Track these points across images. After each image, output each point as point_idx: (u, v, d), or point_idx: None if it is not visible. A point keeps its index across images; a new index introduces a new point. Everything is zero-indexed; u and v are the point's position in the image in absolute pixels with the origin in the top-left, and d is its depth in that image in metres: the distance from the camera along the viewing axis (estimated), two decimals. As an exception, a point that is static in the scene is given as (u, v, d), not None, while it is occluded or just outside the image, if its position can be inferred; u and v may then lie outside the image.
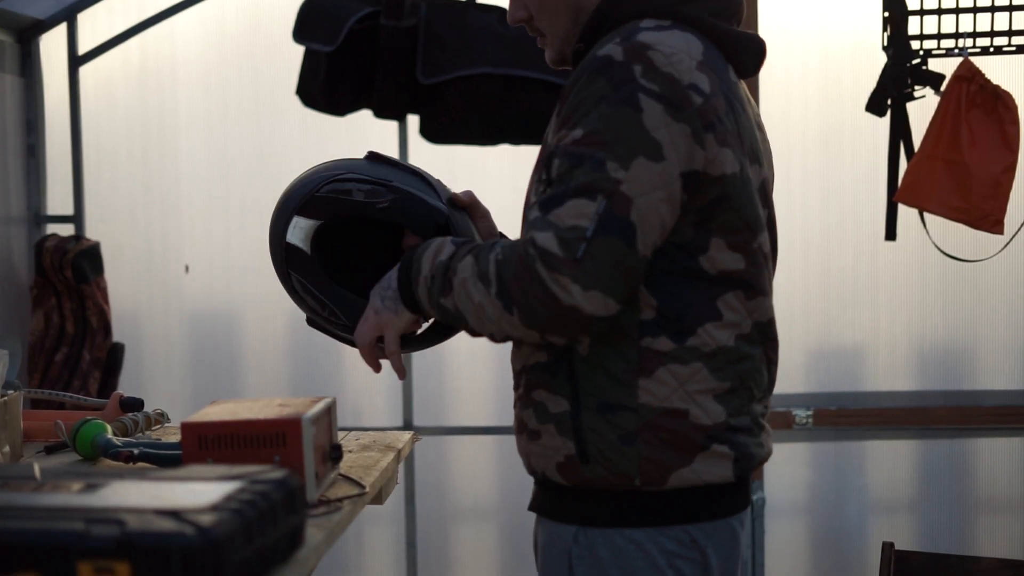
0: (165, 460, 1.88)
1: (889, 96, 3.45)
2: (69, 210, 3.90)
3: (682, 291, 1.73)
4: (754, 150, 1.80)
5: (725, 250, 1.74)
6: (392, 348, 1.85)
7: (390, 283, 1.82)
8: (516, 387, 1.87)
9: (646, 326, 1.73)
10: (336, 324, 1.93)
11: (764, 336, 1.82)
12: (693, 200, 1.70)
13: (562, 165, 1.68)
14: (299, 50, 3.66)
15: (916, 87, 3.43)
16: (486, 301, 1.69)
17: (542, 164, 1.77)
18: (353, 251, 1.98)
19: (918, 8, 3.43)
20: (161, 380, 4.00)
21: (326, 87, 3.60)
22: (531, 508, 1.92)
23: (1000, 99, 3.35)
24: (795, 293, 3.79)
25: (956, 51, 3.41)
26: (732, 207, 1.74)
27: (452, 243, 1.77)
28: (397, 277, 1.81)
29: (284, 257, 1.91)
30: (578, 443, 1.75)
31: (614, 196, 1.64)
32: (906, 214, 3.50)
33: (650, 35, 1.70)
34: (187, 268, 3.95)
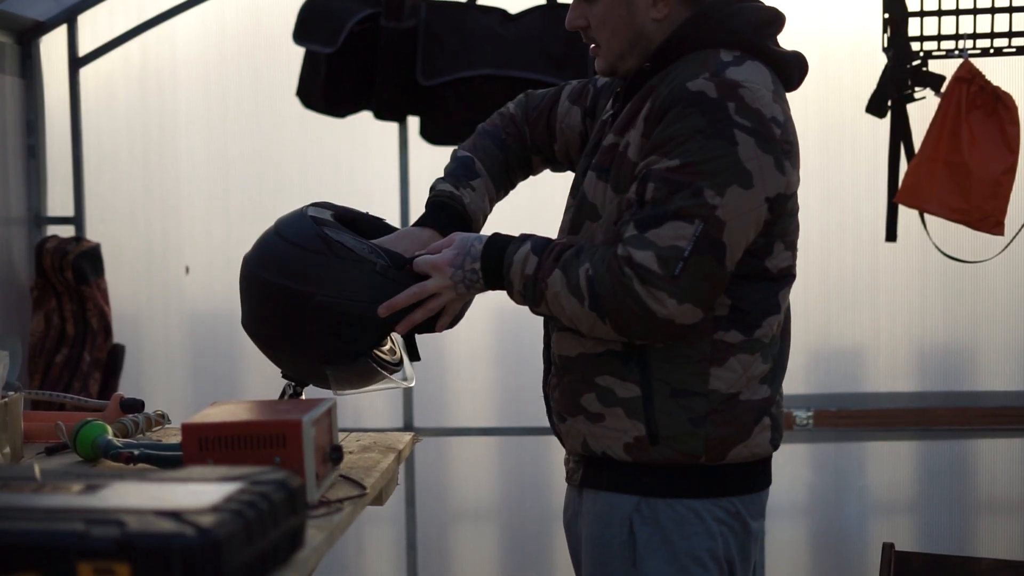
0: (165, 461, 1.88)
1: (889, 97, 3.45)
2: (69, 211, 3.90)
3: (752, 290, 1.93)
4: None
5: (784, 251, 1.96)
6: (451, 313, 1.99)
7: (473, 267, 1.93)
8: (563, 372, 2.00)
9: (720, 321, 1.91)
10: (359, 283, 1.93)
11: (787, 325, 2.07)
12: (772, 216, 1.90)
13: (659, 189, 1.83)
14: (299, 51, 3.66)
15: (916, 88, 3.43)
16: (580, 312, 1.87)
17: (627, 180, 1.90)
18: None
19: (918, 10, 3.44)
20: (161, 381, 4.00)
21: (326, 88, 3.61)
22: (581, 484, 2.03)
23: (1000, 100, 3.35)
24: (795, 293, 3.76)
25: (956, 52, 3.42)
26: (790, 213, 1.96)
27: (533, 253, 1.91)
28: (482, 269, 1.93)
29: (314, 226, 1.96)
30: (648, 426, 1.92)
31: (710, 220, 1.82)
32: (906, 215, 3.50)
33: (735, 71, 1.87)
34: (187, 269, 3.95)
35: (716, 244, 1.82)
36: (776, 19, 2.00)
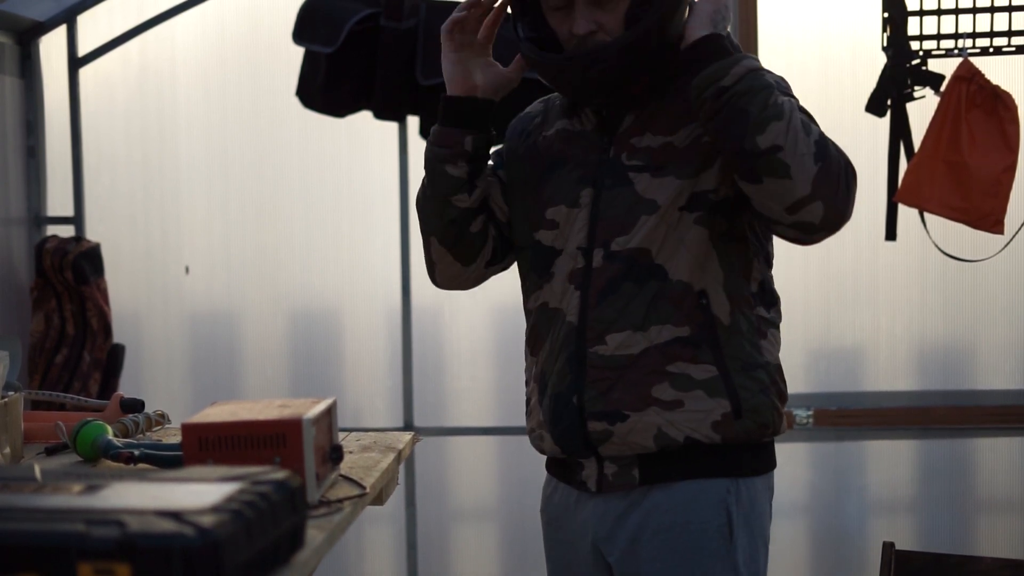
0: (166, 461, 1.88)
1: (889, 96, 3.45)
2: (69, 211, 3.90)
3: (767, 274, 2.07)
4: None
5: (770, 240, 2.09)
6: None
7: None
8: (623, 371, 1.98)
9: (755, 297, 2.04)
10: None
11: None
12: None
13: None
14: (299, 52, 3.66)
15: (916, 87, 3.43)
16: (801, 139, 1.87)
17: (692, 166, 2.01)
18: None
19: (918, 9, 3.44)
20: (161, 381, 4.00)
21: (326, 89, 3.61)
22: (655, 480, 2.02)
23: (1000, 99, 3.35)
24: (795, 293, 3.79)
25: (956, 51, 3.42)
26: None
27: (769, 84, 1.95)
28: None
29: None
30: (732, 400, 1.99)
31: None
32: (906, 214, 3.50)
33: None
34: (187, 269, 3.96)
35: None
36: None
